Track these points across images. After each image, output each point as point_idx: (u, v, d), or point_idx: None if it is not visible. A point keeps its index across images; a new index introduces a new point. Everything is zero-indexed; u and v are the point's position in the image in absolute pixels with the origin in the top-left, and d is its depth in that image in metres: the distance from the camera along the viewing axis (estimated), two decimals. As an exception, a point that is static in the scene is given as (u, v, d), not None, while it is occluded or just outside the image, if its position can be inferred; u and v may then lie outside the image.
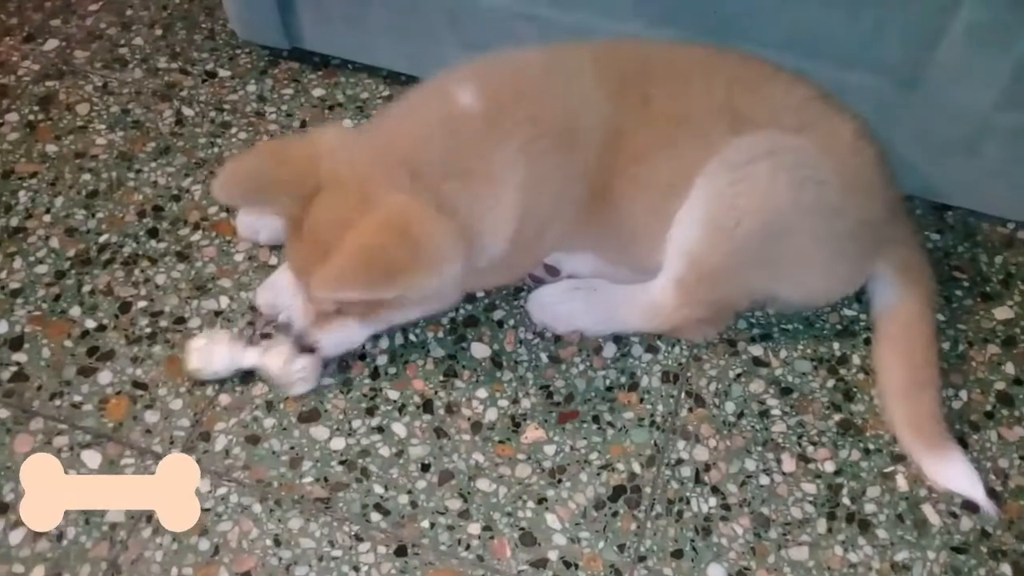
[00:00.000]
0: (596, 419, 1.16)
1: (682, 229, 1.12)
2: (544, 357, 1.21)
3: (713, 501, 1.10)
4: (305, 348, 1.14)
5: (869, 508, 1.09)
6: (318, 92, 1.51)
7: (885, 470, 1.12)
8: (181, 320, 1.23)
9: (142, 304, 1.25)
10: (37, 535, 1.06)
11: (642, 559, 1.06)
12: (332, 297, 1.05)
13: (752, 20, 1.23)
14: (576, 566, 1.05)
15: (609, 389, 1.18)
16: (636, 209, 1.14)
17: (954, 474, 1.08)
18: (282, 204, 1.06)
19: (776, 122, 1.09)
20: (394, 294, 1.04)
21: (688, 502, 1.10)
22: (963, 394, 1.18)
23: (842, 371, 1.20)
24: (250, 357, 1.16)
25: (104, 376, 1.18)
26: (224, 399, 1.16)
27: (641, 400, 1.17)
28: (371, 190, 1.02)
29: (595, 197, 1.13)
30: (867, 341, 1.23)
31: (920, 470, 1.11)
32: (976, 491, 1.07)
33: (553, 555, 1.06)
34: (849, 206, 1.10)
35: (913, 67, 1.20)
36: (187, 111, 1.47)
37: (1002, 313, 1.26)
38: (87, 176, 1.38)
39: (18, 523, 1.06)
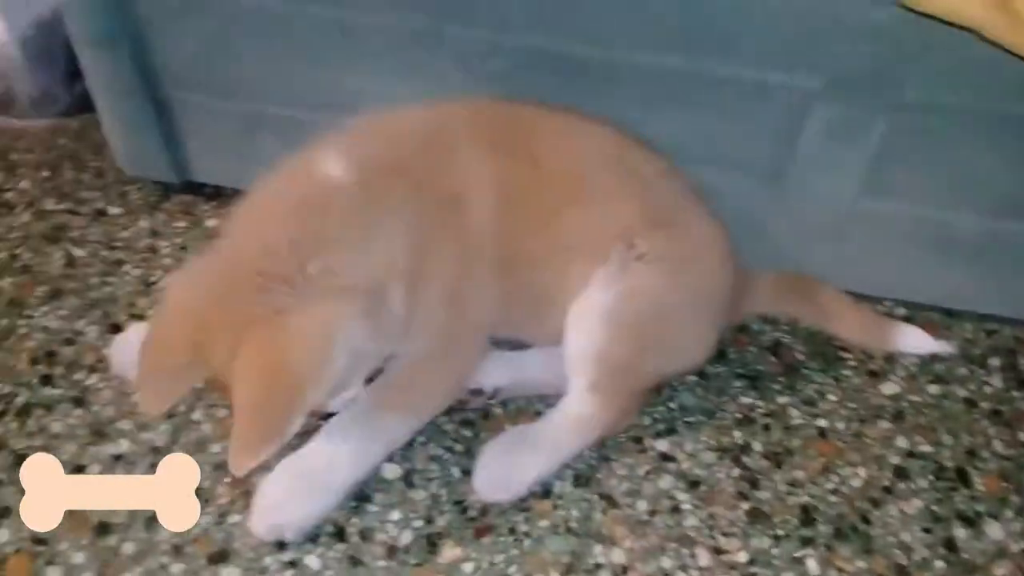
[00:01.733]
0: (512, 530, 1.16)
1: (583, 334, 1.16)
2: (456, 472, 1.21)
3: (634, 604, 1.10)
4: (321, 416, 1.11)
5: (784, 595, 1.12)
6: (212, 223, 1.51)
7: (795, 554, 1.15)
8: (80, 468, 1.19)
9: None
10: None
11: (568, 672, 1.05)
12: (255, 465, 0.93)
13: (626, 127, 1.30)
14: None
15: (523, 499, 1.19)
16: (547, 275, 1.16)
17: (913, 339, 1.33)
18: (199, 377, 1.01)
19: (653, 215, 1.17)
20: (312, 406, 0.95)
21: (609, 608, 1.10)
22: (861, 471, 1.23)
23: (745, 459, 1.24)
24: None
25: (1, 534, 1.13)
26: (128, 548, 1.12)
27: (555, 507, 1.18)
28: (233, 322, 0.94)
29: (505, 266, 1.13)
30: (766, 427, 1.27)
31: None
32: (931, 343, 1.33)
33: None
34: (715, 288, 1.21)
35: (777, 165, 1.28)
36: (78, 251, 1.46)
37: (888, 388, 1.32)
38: (-26, 329, 1.35)
39: None
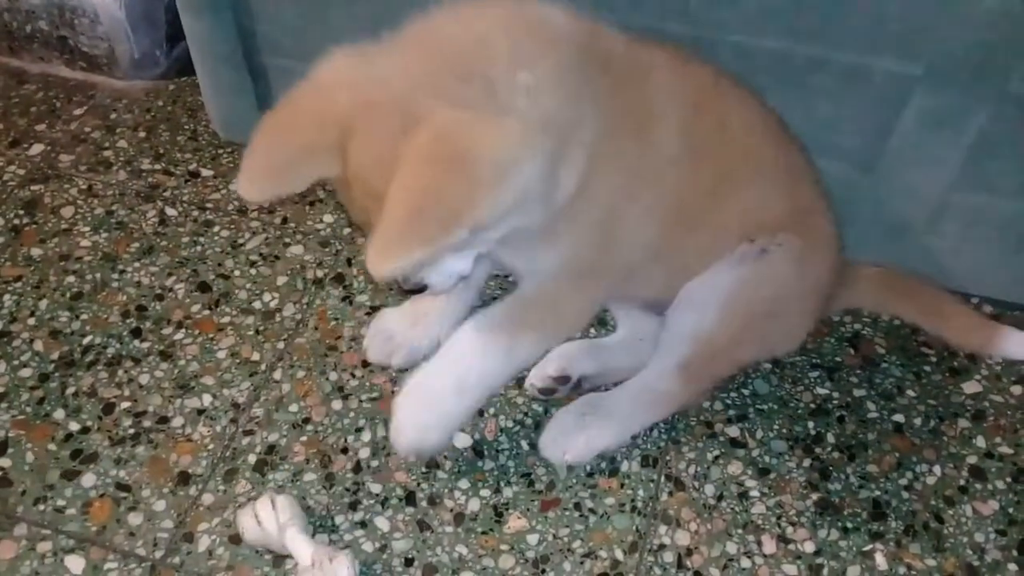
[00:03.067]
0: (578, 506, 1.17)
1: (693, 312, 1.15)
2: (525, 445, 1.22)
3: (696, 586, 1.11)
4: (413, 289, 0.99)
5: (850, 588, 1.10)
6: (298, 188, 1.54)
7: (864, 548, 1.13)
8: (164, 420, 1.25)
9: (125, 405, 1.26)
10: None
11: (627, 648, 1.06)
12: (394, 272, 0.82)
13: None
14: (562, 658, 1.05)
15: (590, 475, 1.19)
16: (698, 241, 1.12)
17: (1018, 345, 1.27)
18: (321, 171, 0.89)
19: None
20: (468, 231, 0.82)
21: (671, 588, 1.10)
22: (936, 469, 1.20)
23: (817, 450, 1.22)
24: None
25: (87, 479, 1.19)
26: (207, 499, 1.17)
27: (622, 485, 1.19)
28: (411, 109, 0.82)
29: (666, 217, 1.06)
30: (840, 419, 1.25)
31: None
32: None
33: (538, 647, 1.06)
34: (826, 283, 1.19)
35: (870, 154, 1.25)
36: (170, 211, 1.51)
37: (971, 387, 1.29)
38: (71, 278, 1.41)
39: (0, 633, 1.06)
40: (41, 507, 1.16)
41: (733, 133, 1.08)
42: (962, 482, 1.19)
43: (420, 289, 0.99)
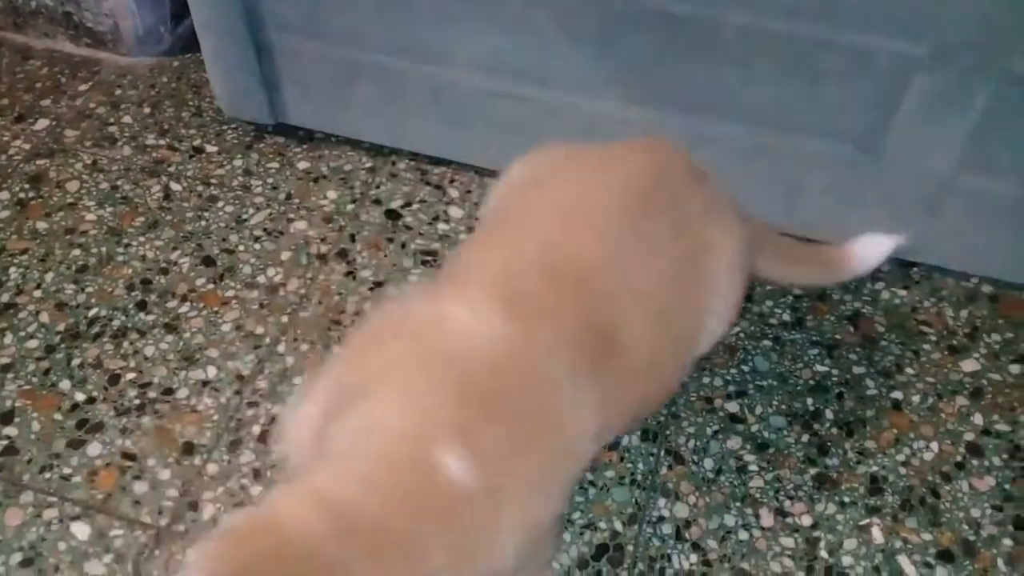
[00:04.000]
0: (578, 481, 1.18)
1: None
2: (526, 419, 1.23)
3: (694, 557, 1.12)
4: None
5: (846, 560, 1.12)
6: (303, 165, 1.55)
7: (861, 523, 1.15)
8: (169, 391, 1.26)
9: (131, 376, 1.27)
10: None
11: (626, 617, 1.07)
12: None
13: (720, 96, 1.29)
14: (561, 626, 1.07)
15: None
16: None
17: (867, 247, 1.17)
18: None
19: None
20: None
21: (669, 559, 1.12)
22: (934, 446, 1.22)
23: (816, 426, 1.23)
24: None
25: (93, 448, 1.20)
26: (211, 468, 1.18)
27: (622, 459, 1.20)
28: None
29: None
30: (839, 396, 1.26)
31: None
32: (887, 242, 1.17)
33: (538, 616, 1.07)
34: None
35: (873, 135, 1.26)
36: (175, 186, 1.52)
37: (969, 365, 1.30)
38: (77, 251, 1.42)
39: (7, 597, 1.08)
40: (47, 475, 1.17)
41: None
42: (959, 458, 1.21)
43: None
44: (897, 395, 1.26)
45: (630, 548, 1.12)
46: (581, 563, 1.11)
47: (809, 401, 1.26)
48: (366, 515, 0.77)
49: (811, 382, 1.28)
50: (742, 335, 1.32)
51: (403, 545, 0.77)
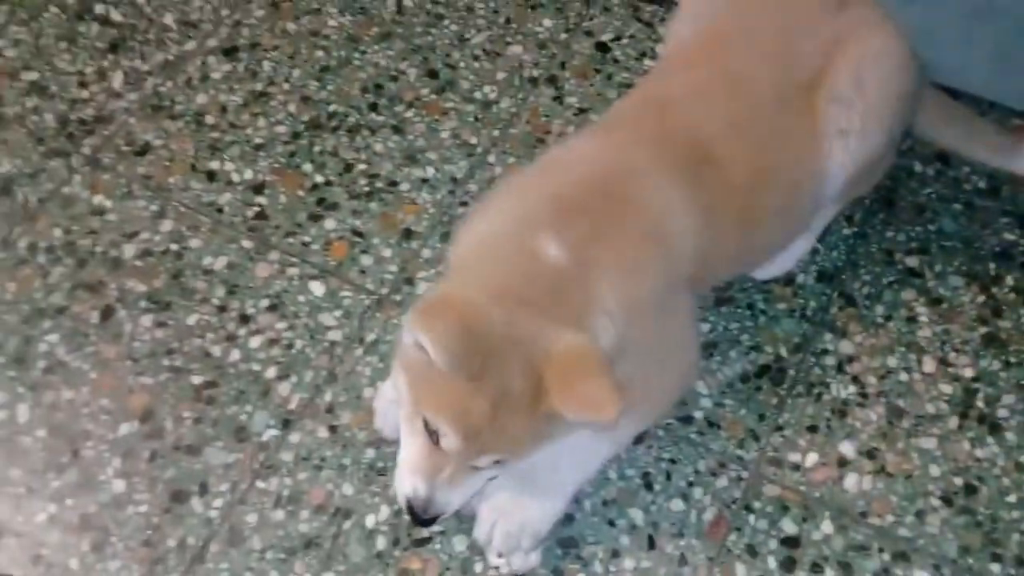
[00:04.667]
0: (751, 306, 1.28)
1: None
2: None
3: (852, 389, 1.21)
4: (428, 519, 1.02)
5: (1002, 413, 1.18)
6: (521, -8, 1.64)
7: (1023, 381, 1.20)
8: (394, 183, 1.42)
9: (362, 166, 1.44)
10: (272, 342, 1.29)
11: (779, 428, 1.19)
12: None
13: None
14: (718, 426, 1.19)
15: (766, 282, 1.29)
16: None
17: None
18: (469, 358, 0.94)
19: None
20: None
21: (828, 387, 1.21)
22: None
23: (994, 289, 1.27)
24: None
25: (329, 223, 1.39)
26: (426, 253, 1.35)
27: (795, 295, 1.28)
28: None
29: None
30: (1022, 265, 1.28)
31: None
32: None
33: (699, 414, 1.20)
34: None
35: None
36: (407, 2, 1.64)
37: None
38: (320, 53, 1.58)
39: (258, 331, 1.30)
40: (290, 240, 1.38)
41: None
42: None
43: (433, 519, 1.02)
44: (1085, 272, 1.28)
45: (791, 372, 1.22)
46: (743, 378, 1.22)
47: (991, 266, 1.29)
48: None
49: (996, 249, 1.31)
50: (933, 196, 1.35)
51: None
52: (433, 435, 0.97)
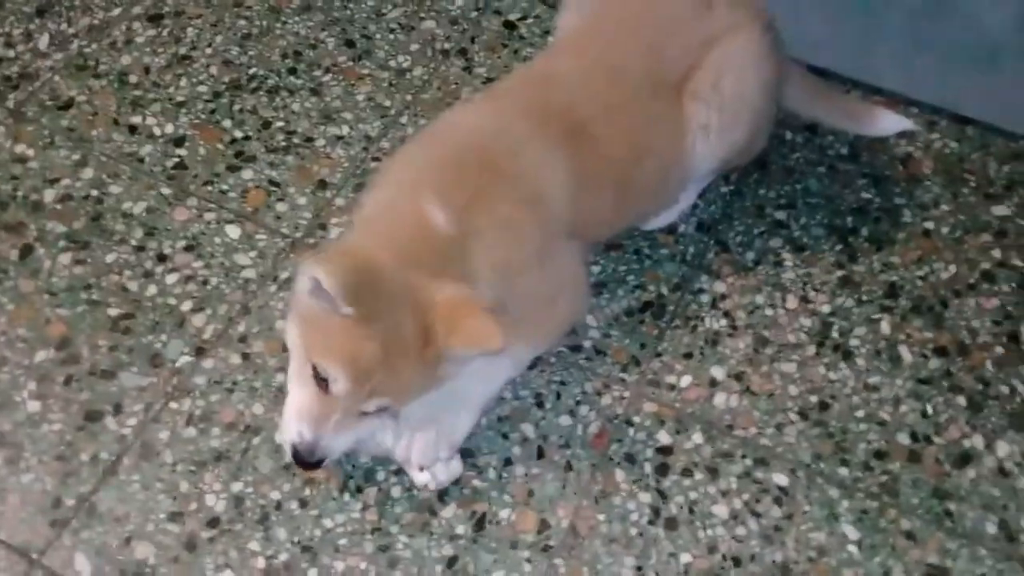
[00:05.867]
0: (637, 251, 1.40)
1: None
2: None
3: (723, 322, 1.34)
4: (313, 463, 1.08)
5: (854, 342, 1.32)
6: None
7: (873, 316, 1.34)
8: (310, 140, 1.51)
9: (280, 124, 1.53)
10: (188, 279, 1.36)
11: (658, 355, 1.31)
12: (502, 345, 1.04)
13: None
14: (605, 354, 1.31)
15: (648, 233, 1.42)
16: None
17: (887, 119, 1.49)
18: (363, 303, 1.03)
19: None
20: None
21: (703, 320, 1.34)
22: (952, 268, 1.39)
23: (851, 239, 1.42)
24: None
25: (247, 173, 1.47)
26: (339, 201, 1.44)
27: (676, 242, 1.41)
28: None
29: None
30: (877, 219, 1.44)
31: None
32: (903, 124, 1.49)
33: (587, 343, 1.31)
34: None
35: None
36: (327, -20, 1.74)
37: (1000, 210, 1.45)
38: (242, 22, 1.66)
39: (174, 269, 1.36)
40: (209, 188, 1.45)
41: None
42: (972, 281, 1.38)
43: (317, 463, 1.08)
44: (929, 225, 1.44)
45: (671, 308, 1.35)
46: (628, 312, 1.34)
47: (849, 220, 1.44)
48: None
49: (854, 206, 1.46)
50: (801, 159, 1.50)
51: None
52: (323, 383, 1.04)
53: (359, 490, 1.19)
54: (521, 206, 1.17)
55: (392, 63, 1.62)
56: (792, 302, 1.36)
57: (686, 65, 1.27)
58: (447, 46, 1.65)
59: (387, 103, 1.57)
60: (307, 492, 1.19)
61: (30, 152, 1.48)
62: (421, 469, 1.17)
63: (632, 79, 1.25)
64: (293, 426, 1.07)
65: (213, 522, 1.17)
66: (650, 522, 1.18)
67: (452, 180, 1.14)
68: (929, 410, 1.27)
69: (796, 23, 1.39)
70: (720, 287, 1.37)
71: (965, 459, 1.23)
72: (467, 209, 1.12)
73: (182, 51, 1.62)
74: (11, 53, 1.60)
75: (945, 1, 1.41)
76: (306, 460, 1.07)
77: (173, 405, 1.25)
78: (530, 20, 1.69)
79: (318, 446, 1.06)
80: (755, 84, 1.29)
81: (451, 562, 1.15)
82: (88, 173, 1.46)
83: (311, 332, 1.06)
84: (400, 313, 1.03)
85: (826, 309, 1.35)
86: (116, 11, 1.66)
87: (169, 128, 1.52)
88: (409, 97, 1.58)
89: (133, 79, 1.57)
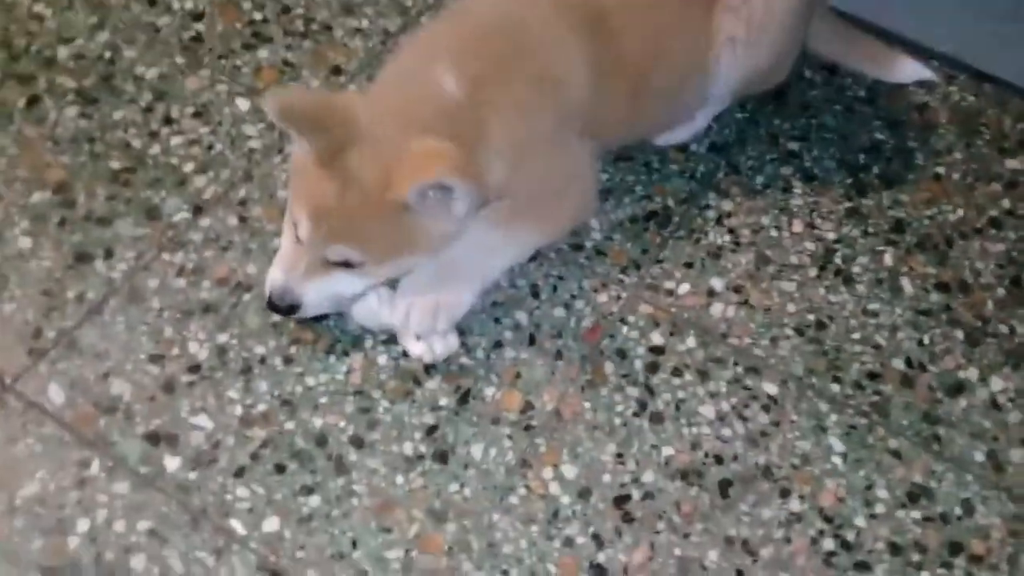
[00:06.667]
0: (647, 164, 1.39)
1: None
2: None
3: (727, 238, 1.32)
4: (284, 308, 1.11)
5: (855, 269, 1.31)
6: None
7: (877, 247, 1.33)
8: (328, 28, 1.50)
9: (300, 10, 1.52)
10: (193, 142, 1.34)
11: (659, 262, 1.29)
12: (429, 182, 1.05)
13: None
14: (605, 255, 1.29)
15: (657, 148, 1.41)
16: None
17: (908, 67, 1.48)
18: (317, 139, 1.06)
19: None
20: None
21: (706, 234, 1.32)
22: (960, 212, 1.38)
23: (862, 175, 1.41)
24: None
25: (262, 52, 1.46)
26: (352, 87, 1.43)
27: (687, 159, 1.40)
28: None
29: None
30: (889, 159, 1.43)
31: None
32: (923, 73, 1.48)
33: (589, 244, 1.30)
34: None
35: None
36: None
37: (1013, 164, 1.44)
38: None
39: (180, 132, 1.35)
40: (223, 61, 1.44)
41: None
42: (979, 225, 1.37)
43: (290, 309, 1.10)
44: (940, 169, 1.43)
45: (676, 219, 1.34)
46: (632, 219, 1.33)
47: (861, 157, 1.43)
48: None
49: (867, 145, 1.45)
50: (818, 96, 1.49)
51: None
52: (295, 231, 1.09)
53: (345, 353, 1.17)
54: (537, 87, 1.16)
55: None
56: (798, 226, 1.34)
57: None
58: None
59: (408, 2, 1.56)
60: (292, 350, 1.17)
61: (47, 12, 1.47)
62: (418, 338, 1.15)
63: None
64: (271, 272, 1.12)
65: (194, 368, 1.15)
66: (635, 414, 1.16)
67: (468, 49, 1.15)
68: (926, 340, 1.25)
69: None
70: (727, 205, 1.36)
71: (958, 388, 1.22)
72: (480, 79, 1.12)
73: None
74: (37, -82, 1.59)
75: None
76: (276, 304, 1.10)
77: (166, 256, 1.24)
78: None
79: (288, 291, 1.09)
80: (787, 2, 1.29)
81: (431, 430, 1.13)
82: (103, 36, 1.45)
83: (293, 185, 1.13)
84: (365, 158, 1.06)
85: (831, 236, 1.34)
86: None
87: (189, 4, 1.51)
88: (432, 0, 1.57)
89: (156, -47, 1.57)
